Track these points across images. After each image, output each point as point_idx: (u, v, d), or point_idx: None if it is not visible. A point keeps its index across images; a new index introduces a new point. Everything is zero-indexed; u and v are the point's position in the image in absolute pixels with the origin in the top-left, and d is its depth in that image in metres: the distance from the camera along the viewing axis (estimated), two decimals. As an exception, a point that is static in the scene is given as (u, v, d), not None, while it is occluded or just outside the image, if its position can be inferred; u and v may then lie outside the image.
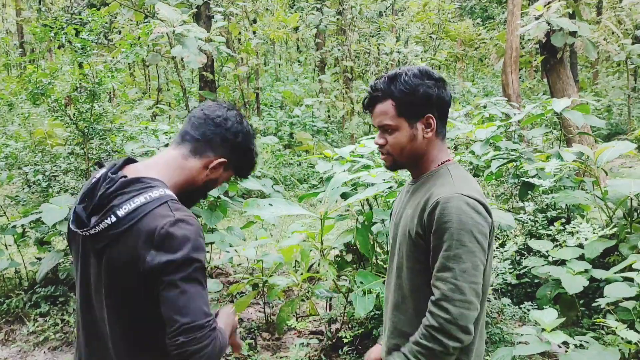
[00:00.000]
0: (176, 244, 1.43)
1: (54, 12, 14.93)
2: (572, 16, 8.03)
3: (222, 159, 1.67)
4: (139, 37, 5.30)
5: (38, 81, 4.42)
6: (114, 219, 1.46)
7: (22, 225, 4.70)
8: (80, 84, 4.70)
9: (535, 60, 12.83)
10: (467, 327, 1.49)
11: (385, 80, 1.66)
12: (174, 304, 1.41)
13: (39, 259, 4.94)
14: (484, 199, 1.57)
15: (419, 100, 1.62)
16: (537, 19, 7.43)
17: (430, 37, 17.44)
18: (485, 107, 5.73)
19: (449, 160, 1.71)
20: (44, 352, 4.09)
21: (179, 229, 1.44)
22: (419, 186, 1.71)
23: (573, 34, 7.36)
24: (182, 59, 7.83)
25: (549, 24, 7.26)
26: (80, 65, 4.85)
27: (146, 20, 8.84)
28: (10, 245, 5.06)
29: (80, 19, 5.91)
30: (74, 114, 4.75)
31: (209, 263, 5.41)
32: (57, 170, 5.07)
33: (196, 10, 9.10)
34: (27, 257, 5.15)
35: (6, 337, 4.30)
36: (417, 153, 1.69)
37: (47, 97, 4.52)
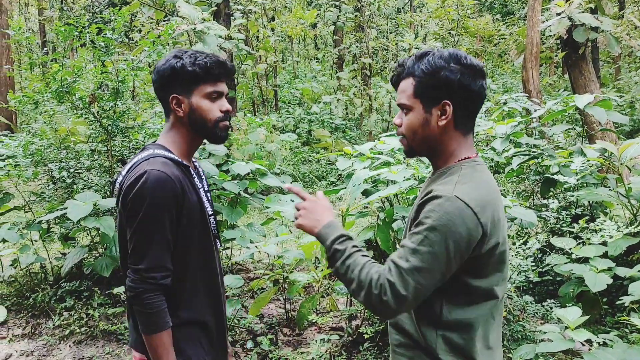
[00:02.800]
0: (135, 195, 1.68)
1: (76, 11, 15.13)
2: (594, 11, 7.93)
3: (173, 96, 1.80)
4: (160, 36, 5.35)
5: (63, 79, 4.50)
6: (120, 178, 1.81)
7: (48, 221, 4.79)
8: (103, 82, 4.77)
9: (556, 56, 12.67)
10: (388, 314, 1.46)
11: (414, 57, 1.59)
12: (130, 246, 1.73)
13: (64, 254, 5.03)
14: (481, 208, 1.44)
15: (437, 84, 1.52)
16: (558, 14, 7.34)
17: (449, 33, 17.32)
18: (505, 103, 5.69)
19: (470, 157, 1.58)
20: (69, 345, 4.17)
21: (140, 182, 1.68)
22: (431, 182, 1.62)
23: (595, 29, 7.26)
24: (201, 57, 7.88)
25: (570, 19, 7.17)
26: (103, 64, 4.92)
27: (166, 18, 8.92)
28: (35, 241, 5.16)
29: (102, 17, 5.99)
30: (98, 111, 4.82)
31: (229, 259, 5.46)
32: (81, 167, 5.15)
33: (216, 8, 9.15)
34: (52, 252, 5.24)
35: (32, 331, 4.38)
36: (430, 141, 1.58)
37: (71, 95, 4.60)
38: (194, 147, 1.89)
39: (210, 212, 1.90)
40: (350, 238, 1.58)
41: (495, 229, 1.47)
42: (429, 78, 1.52)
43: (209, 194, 1.95)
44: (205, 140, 1.90)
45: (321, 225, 1.62)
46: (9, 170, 4.98)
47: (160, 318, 1.71)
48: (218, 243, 1.98)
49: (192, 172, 1.86)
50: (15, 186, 5.25)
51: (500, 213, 1.51)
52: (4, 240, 4.56)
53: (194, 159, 1.98)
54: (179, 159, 1.80)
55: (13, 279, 5.05)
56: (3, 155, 5.44)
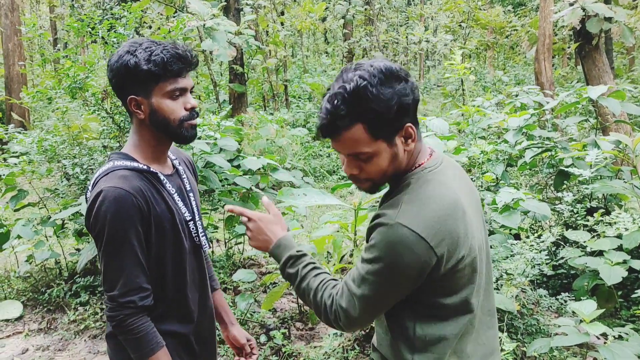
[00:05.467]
0: (94, 217, 1.57)
1: (86, 8, 15.21)
2: (607, 1, 7.82)
3: (130, 97, 1.64)
4: (170, 31, 5.37)
5: (75, 76, 4.53)
6: (88, 193, 1.67)
7: (62, 218, 4.83)
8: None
9: (569, 47, 12.55)
10: (349, 332, 1.47)
11: (348, 99, 1.30)
12: (101, 271, 1.63)
13: (78, 250, 5.07)
14: (434, 231, 1.30)
15: (395, 114, 1.31)
16: (571, 4, 7.27)
17: (459, 25, 17.20)
18: (517, 95, 5.64)
19: (421, 164, 1.44)
20: (85, 340, 4.21)
21: (96, 203, 1.56)
22: (387, 195, 1.48)
23: (609, 19, 7.17)
24: (211, 52, 7.90)
25: (583, 9, 7.10)
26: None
27: (176, 14, 8.94)
28: (50, 237, 5.21)
29: (112, 14, 6.02)
30: (110, 107, 4.85)
31: (241, 254, 5.48)
32: (94, 164, 5.18)
33: (225, 3, 9.15)
34: (66, 248, 5.29)
35: (48, 326, 4.43)
36: (399, 168, 1.42)
37: (84, 92, 4.63)
38: (162, 149, 1.74)
39: (188, 217, 1.76)
40: (300, 256, 1.53)
41: (456, 246, 1.33)
42: (385, 113, 1.30)
43: (191, 195, 1.81)
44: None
45: (271, 246, 1.58)
46: (23, 167, 5.02)
47: (151, 340, 1.62)
48: (205, 248, 1.84)
49: (163, 177, 1.71)
50: (30, 182, 5.29)
51: (461, 223, 1.35)
52: (19, 237, 4.61)
53: (172, 157, 1.84)
54: (144, 167, 1.66)
55: (28, 274, 5.11)
56: (17, 152, 5.49)
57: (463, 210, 1.37)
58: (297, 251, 1.55)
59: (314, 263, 1.54)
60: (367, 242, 1.39)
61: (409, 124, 1.35)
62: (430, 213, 1.31)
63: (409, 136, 1.37)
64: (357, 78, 1.30)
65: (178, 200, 1.74)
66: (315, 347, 3.86)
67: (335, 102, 1.31)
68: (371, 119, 1.30)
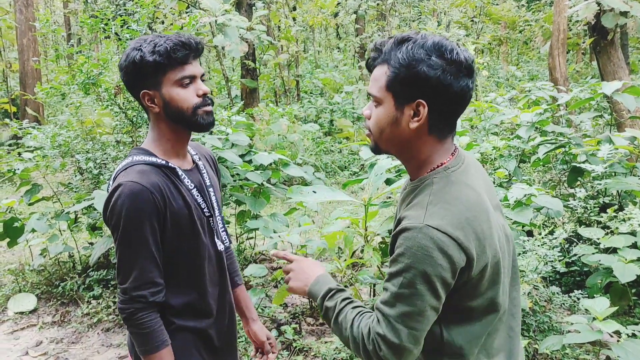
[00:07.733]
0: (110, 210, 1.60)
1: (100, 4, 15.29)
2: (623, -5, 7.71)
3: (143, 92, 1.67)
4: (182, 27, 5.38)
5: (89, 71, 4.56)
6: (109, 187, 1.70)
7: (75, 211, 4.88)
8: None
9: (583, 43, 12.40)
10: None
11: (393, 41, 1.35)
12: (116, 264, 1.67)
13: (91, 243, 5.12)
14: (462, 230, 1.26)
15: (412, 79, 1.29)
16: (586, -1, 7.18)
17: (472, 20, 17.07)
18: (530, 91, 5.59)
19: (443, 163, 1.38)
20: (98, 333, 4.26)
21: (113, 197, 1.59)
22: (407, 194, 1.43)
23: (624, 14, 7.08)
24: (223, 48, 7.92)
25: (598, 4, 7.01)
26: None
27: (188, 9, 8.97)
28: (64, 231, 5.26)
29: (125, 9, 6.05)
30: (123, 103, 4.88)
31: (252, 249, 5.50)
32: (107, 158, 5.23)
33: (237, -2, 9.16)
34: (80, 242, 5.34)
35: (62, 319, 4.48)
36: (398, 142, 1.38)
37: (97, 87, 4.66)
38: (181, 142, 1.74)
39: (207, 213, 1.76)
40: (339, 290, 1.49)
41: (483, 246, 1.30)
42: (404, 71, 1.30)
43: (211, 190, 1.81)
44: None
45: (309, 283, 1.55)
46: (37, 162, 5.07)
47: (156, 337, 1.62)
48: (226, 243, 1.87)
49: (181, 172, 1.72)
50: (44, 177, 5.35)
51: (485, 224, 1.32)
52: (34, 230, 4.66)
53: (192, 152, 1.85)
54: (162, 161, 1.67)
55: (42, 268, 5.17)
56: (32, 146, 5.55)
57: (487, 211, 1.35)
58: (337, 285, 1.51)
59: (352, 297, 1.49)
60: (392, 252, 1.32)
61: (421, 101, 1.31)
62: (457, 214, 1.27)
63: (417, 114, 1.33)
64: (414, 33, 1.35)
65: (197, 196, 1.73)
66: (325, 342, 3.87)
67: (385, 40, 1.38)
68: (394, 67, 1.32)
